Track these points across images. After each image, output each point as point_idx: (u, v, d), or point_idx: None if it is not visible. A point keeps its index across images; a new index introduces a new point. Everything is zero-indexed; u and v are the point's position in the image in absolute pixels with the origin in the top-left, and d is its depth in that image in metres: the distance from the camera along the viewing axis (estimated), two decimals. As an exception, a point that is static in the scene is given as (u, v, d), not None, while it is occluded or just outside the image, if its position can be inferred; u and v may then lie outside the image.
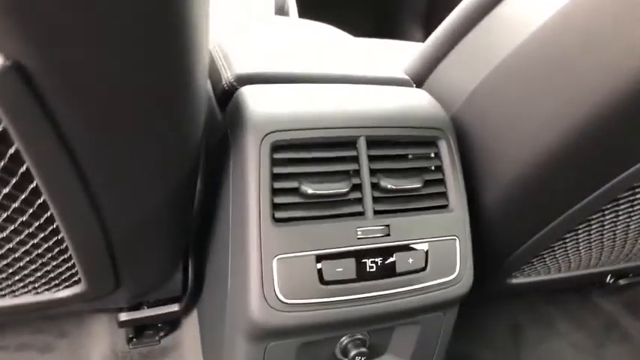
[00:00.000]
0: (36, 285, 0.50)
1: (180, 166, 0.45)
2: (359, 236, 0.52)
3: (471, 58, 0.62)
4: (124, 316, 0.69)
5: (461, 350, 1.00)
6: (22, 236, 0.41)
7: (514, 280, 0.76)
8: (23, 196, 0.36)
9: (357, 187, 0.53)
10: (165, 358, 0.81)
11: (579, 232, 0.68)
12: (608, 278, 0.88)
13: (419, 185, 0.55)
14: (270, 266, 0.49)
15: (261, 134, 0.49)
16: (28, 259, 0.44)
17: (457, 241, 0.57)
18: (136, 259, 0.53)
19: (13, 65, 0.25)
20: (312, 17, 0.93)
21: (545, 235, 0.65)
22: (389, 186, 0.53)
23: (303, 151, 0.51)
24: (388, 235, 0.53)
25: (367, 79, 0.63)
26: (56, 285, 0.51)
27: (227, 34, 0.72)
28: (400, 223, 0.54)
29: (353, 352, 0.57)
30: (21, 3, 0.22)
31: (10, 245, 0.42)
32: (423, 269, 0.55)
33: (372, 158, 0.53)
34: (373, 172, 0.53)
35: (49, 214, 0.38)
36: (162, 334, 0.80)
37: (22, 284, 0.49)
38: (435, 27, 0.68)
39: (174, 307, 0.71)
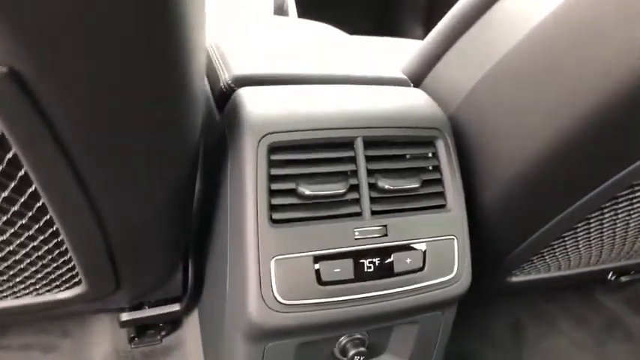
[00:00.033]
0: (37, 286, 0.50)
1: (179, 167, 0.45)
2: (357, 237, 0.52)
3: (471, 54, 0.61)
4: (125, 316, 0.70)
5: (462, 349, 1.00)
6: (22, 239, 0.41)
7: (514, 279, 0.76)
8: (22, 200, 0.36)
9: (355, 188, 0.53)
10: (168, 358, 0.81)
11: (579, 230, 0.67)
12: (610, 275, 0.88)
13: (416, 185, 0.55)
14: (268, 267, 0.49)
15: (259, 136, 0.50)
16: (28, 261, 0.45)
17: (455, 240, 0.57)
18: (136, 260, 0.53)
19: (8, 72, 0.25)
20: (311, 17, 0.93)
21: (545, 233, 0.64)
22: (386, 186, 0.53)
23: (301, 152, 0.51)
24: (386, 235, 0.53)
25: (365, 80, 0.63)
26: (57, 286, 0.51)
27: (226, 33, 0.72)
28: (398, 224, 0.54)
29: (352, 352, 0.57)
30: (13, 4, 0.22)
31: (11, 248, 0.42)
32: (421, 269, 0.55)
33: (369, 159, 0.54)
34: (371, 173, 0.54)
35: (48, 216, 0.38)
36: (164, 333, 0.80)
37: (23, 286, 0.50)
38: (436, 25, 0.67)
39: (175, 307, 0.71)
